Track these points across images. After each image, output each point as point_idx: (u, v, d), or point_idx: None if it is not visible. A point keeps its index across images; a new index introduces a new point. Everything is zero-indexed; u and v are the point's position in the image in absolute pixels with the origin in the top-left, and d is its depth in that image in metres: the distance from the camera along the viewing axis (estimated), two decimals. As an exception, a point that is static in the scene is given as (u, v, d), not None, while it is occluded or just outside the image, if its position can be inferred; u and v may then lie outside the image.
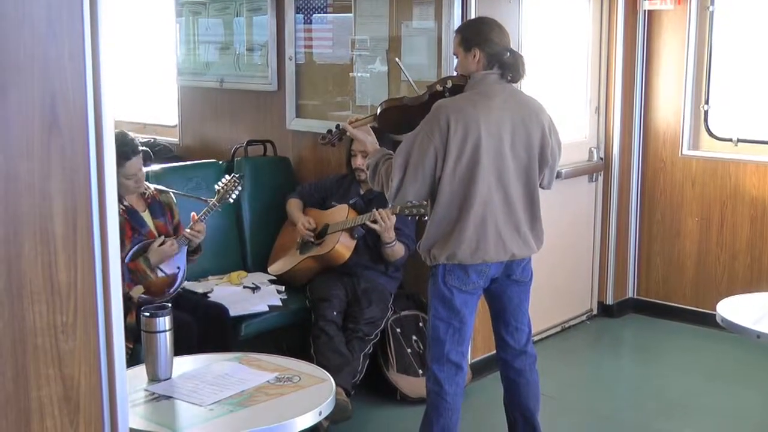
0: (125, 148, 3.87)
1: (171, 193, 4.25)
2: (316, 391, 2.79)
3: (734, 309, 3.60)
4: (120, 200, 4.00)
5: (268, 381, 2.83)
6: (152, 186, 4.18)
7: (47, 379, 1.77)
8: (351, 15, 5.10)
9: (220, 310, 4.17)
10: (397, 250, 4.51)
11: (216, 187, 4.27)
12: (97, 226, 1.82)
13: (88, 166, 1.81)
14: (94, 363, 1.84)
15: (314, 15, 5.32)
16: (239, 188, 4.26)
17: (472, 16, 4.48)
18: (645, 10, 5.80)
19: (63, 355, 1.78)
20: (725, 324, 3.49)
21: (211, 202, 4.19)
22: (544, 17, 5.34)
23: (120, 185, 3.90)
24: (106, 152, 1.83)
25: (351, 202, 4.68)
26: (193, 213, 4.15)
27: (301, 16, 5.35)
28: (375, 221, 4.38)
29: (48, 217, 1.75)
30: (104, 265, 1.83)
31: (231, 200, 4.27)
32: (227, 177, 4.30)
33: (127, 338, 3.73)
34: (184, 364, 2.97)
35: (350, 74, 5.15)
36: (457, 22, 4.48)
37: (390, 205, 4.30)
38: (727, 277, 5.63)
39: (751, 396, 4.76)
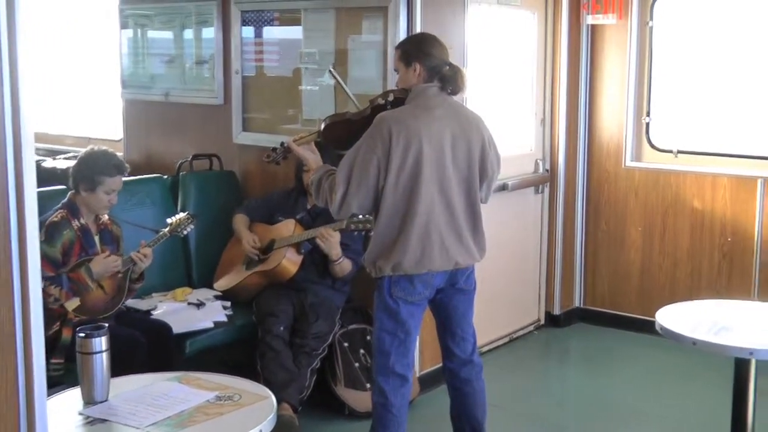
0: (109, 164, 4.01)
1: (122, 227, 4.24)
2: (257, 409, 2.78)
3: (673, 317, 3.66)
4: (77, 217, 3.98)
5: (207, 400, 2.81)
6: (106, 215, 4.16)
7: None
8: (299, 28, 5.10)
9: (163, 327, 4.14)
10: (345, 266, 4.51)
11: (168, 220, 4.27)
12: (15, 258, 1.75)
13: (6, 187, 1.75)
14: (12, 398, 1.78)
15: (261, 28, 5.31)
16: (192, 226, 4.30)
17: (418, 30, 4.52)
18: (588, 25, 5.89)
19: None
20: (663, 332, 3.55)
21: (162, 232, 4.19)
22: (489, 31, 5.39)
23: (97, 201, 3.91)
24: (25, 173, 1.76)
25: (298, 216, 4.68)
26: (142, 240, 4.14)
27: (249, 29, 5.34)
28: (318, 238, 4.39)
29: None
30: (23, 298, 1.77)
31: (182, 235, 4.31)
32: (181, 214, 4.33)
33: (61, 355, 3.73)
34: (122, 385, 2.93)
35: (299, 88, 5.15)
36: (402, 36, 4.51)
37: (336, 220, 4.30)
38: (669, 286, 5.73)
39: (693, 401, 4.84)
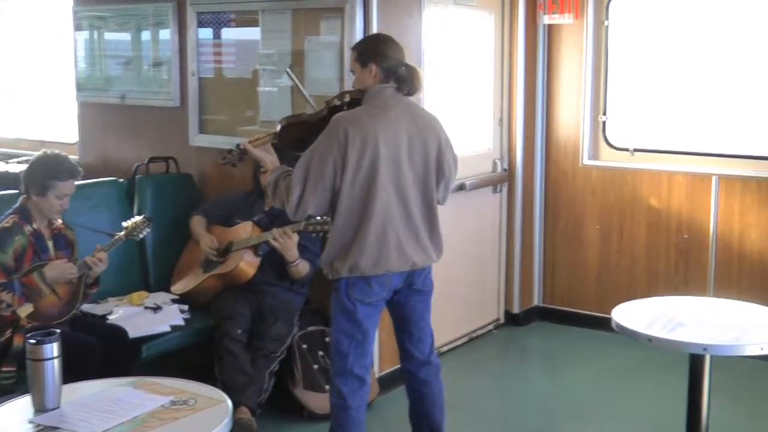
0: (60, 168, 3.95)
1: (75, 232, 4.18)
2: (212, 413, 2.75)
3: (629, 314, 3.69)
4: (30, 222, 3.93)
5: (162, 405, 2.78)
6: (60, 220, 4.10)
7: None
8: (257, 29, 5.07)
9: (119, 332, 4.09)
10: (301, 268, 4.50)
11: (124, 224, 4.22)
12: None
13: None
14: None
15: (219, 29, 5.28)
16: (148, 229, 4.26)
17: (375, 31, 4.52)
18: (545, 25, 5.92)
19: None
20: (619, 329, 3.58)
21: (117, 236, 4.15)
22: (446, 32, 5.40)
23: (49, 205, 3.86)
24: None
25: (255, 219, 4.66)
26: (98, 245, 4.09)
27: (206, 30, 5.30)
28: (276, 240, 4.37)
29: None
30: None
31: (138, 238, 4.27)
32: (137, 217, 4.29)
33: (14, 362, 3.67)
34: (75, 392, 2.89)
35: (257, 89, 5.13)
36: (359, 37, 4.50)
37: (293, 221, 4.28)
38: (627, 283, 5.78)
39: (650, 398, 4.89)
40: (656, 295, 4.19)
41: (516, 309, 6.05)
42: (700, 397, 3.58)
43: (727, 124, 5.59)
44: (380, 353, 4.69)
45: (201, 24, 5.30)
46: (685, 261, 5.64)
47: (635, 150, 5.80)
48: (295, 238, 4.39)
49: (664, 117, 5.76)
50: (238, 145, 3.78)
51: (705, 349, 3.42)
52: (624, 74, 5.84)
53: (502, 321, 6.03)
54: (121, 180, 5.10)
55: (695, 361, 3.56)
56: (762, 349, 3.39)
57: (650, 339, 3.46)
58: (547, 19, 5.89)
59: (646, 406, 4.80)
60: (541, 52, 5.96)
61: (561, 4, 5.82)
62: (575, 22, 5.81)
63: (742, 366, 4.53)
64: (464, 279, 5.60)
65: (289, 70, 4.59)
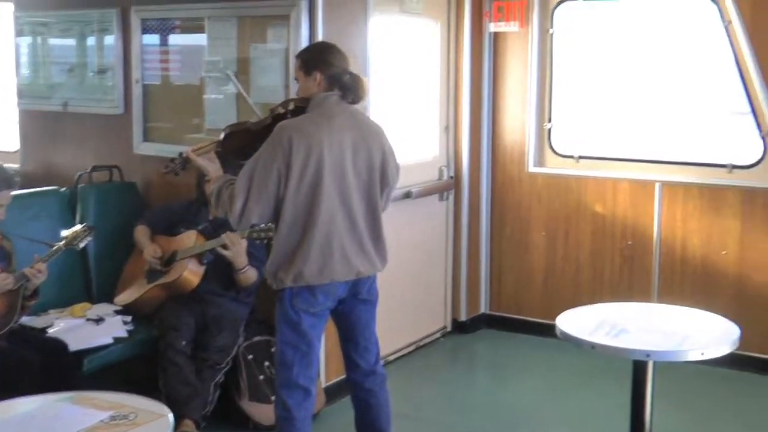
0: None
1: (12, 242, 4.09)
2: (153, 428, 2.72)
3: (573, 321, 3.72)
4: None
5: (101, 420, 2.73)
6: None
7: None
8: (204, 36, 5.03)
9: (59, 345, 4.02)
10: (250, 275, 4.47)
11: (63, 233, 4.15)
12: None
13: None
14: None
15: (164, 36, 5.22)
16: (89, 238, 4.19)
17: (320, 39, 4.51)
18: (490, 32, 5.96)
19: None
20: (563, 336, 3.60)
21: (56, 246, 4.07)
22: (392, 39, 5.41)
23: None
24: None
25: (200, 227, 4.61)
26: (36, 255, 4.01)
27: (153, 36, 5.23)
28: (225, 247, 4.33)
29: None
30: None
31: (78, 248, 4.19)
32: (78, 226, 4.22)
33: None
34: (10, 409, 2.82)
35: (203, 96, 5.08)
36: (305, 45, 4.48)
37: (236, 230, 4.25)
38: (572, 289, 5.84)
39: (594, 404, 4.94)
40: (602, 301, 4.22)
41: (463, 316, 6.07)
42: (644, 402, 3.62)
43: (670, 131, 5.68)
44: (326, 363, 4.66)
45: (146, 30, 5.24)
46: (629, 267, 5.71)
47: (580, 157, 5.86)
48: (243, 244, 4.36)
49: (608, 124, 5.84)
50: (180, 154, 3.74)
51: (648, 356, 3.46)
52: (569, 82, 5.90)
53: (449, 329, 6.05)
54: (63, 189, 5.01)
55: (638, 367, 3.59)
56: (703, 354, 3.44)
57: (594, 346, 3.49)
58: (492, 27, 5.93)
59: (591, 412, 4.84)
60: (486, 60, 5.99)
61: (506, 12, 5.86)
62: (521, 30, 5.86)
63: (685, 371, 4.59)
64: (411, 287, 5.60)
65: (230, 73, 4.56)
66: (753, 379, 5.24)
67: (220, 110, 5.01)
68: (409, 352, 5.66)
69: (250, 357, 4.53)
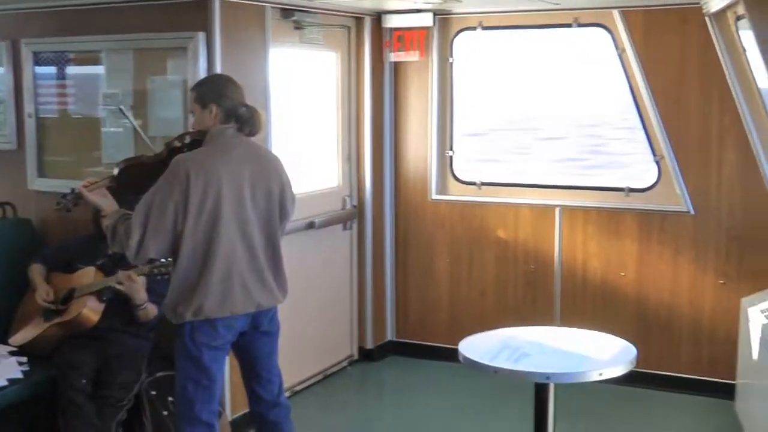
0: None
1: None
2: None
3: (475, 346, 3.76)
4: None
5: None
6: None
7: None
8: (101, 67, 4.95)
9: (-53, 390, 3.88)
10: (150, 311, 4.39)
11: None
12: None
13: None
14: None
15: (60, 68, 5.12)
16: None
17: (218, 71, 4.49)
18: (391, 62, 6.02)
19: None
20: (465, 361, 3.64)
21: None
22: (293, 71, 5.41)
23: None
24: None
25: (99, 263, 4.51)
26: None
27: (49, 69, 5.12)
28: (121, 284, 4.25)
29: None
30: None
31: None
32: None
33: None
34: None
35: (101, 129, 4.99)
36: (203, 77, 4.45)
37: (134, 265, 4.17)
38: (477, 315, 5.89)
39: (501, 426, 4.99)
40: (506, 325, 4.27)
41: (369, 344, 6.08)
42: (546, 423, 3.68)
43: (568, 156, 5.81)
44: (232, 396, 4.61)
45: (40, 63, 5.12)
46: (533, 291, 5.81)
47: (482, 184, 5.95)
48: (141, 281, 4.28)
49: (508, 151, 5.94)
50: (72, 190, 3.68)
51: (548, 378, 3.53)
52: (470, 110, 5.98)
53: (356, 357, 6.04)
54: (-47, 228, 4.85)
55: (540, 390, 3.65)
56: (601, 374, 3.52)
57: (496, 371, 3.53)
58: (393, 57, 5.99)
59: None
60: (388, 89, 6.05)
61: (407, 42, 5.93)
62: (421, 59, 5.93)
63: (589, 390, 4.65)
64: (316, 317, 5.58)
65: (123, 108, 4.50)
66: (653, 395, 5.38)
67: (119, 144, 4.93)
68: (316, 382, 5.63)
69: (154, 393, 4.44)
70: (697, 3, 4.95)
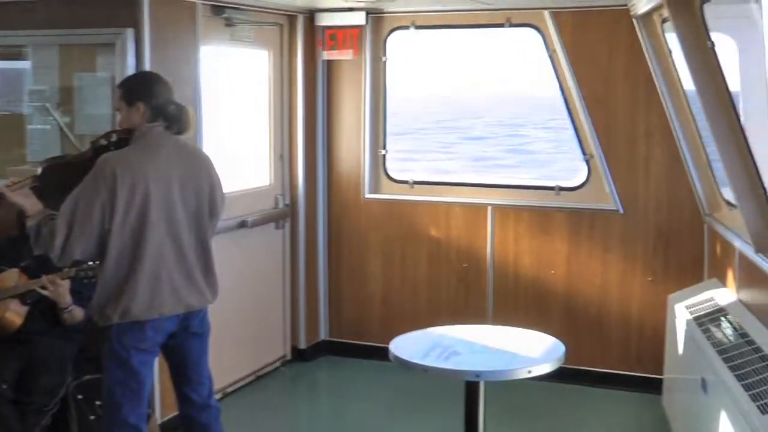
0: None
1: None
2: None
3: (406, 345, 3.78)
4: None
5: None
6: None
7: None
8: (27, 63, 4.84)
9: None
10: (76, 314, 4.29)
11: None
12: None
13: None
14: None
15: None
16: None
17: (147, 68, 4.42)
18: (324, 60, 6.00)
19: None
20: (395, 360, 3.65)
21: None
22: (224, 68, 5.36)
23: None
24: None
25: (23, 264, 4.40)
26: None
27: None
28: (45, 287, 4.15)
29: None
30: None
31: None
32: None
33: None
34: None
35: (27, 127, 4.88)
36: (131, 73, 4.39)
37: (59, 267, 4.08)
38: (410, 313, 5.91)
39: (434, 424, 5.00)
40: (439, 323, 4.30)
41: (302, 344, 6.05)
42: (476, 421, 3.71)
43: (500, 155, 5.85)
44: (162, 398, 4.55)
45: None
46: (465, 289, 5.84)
47: (414, 182, 5.96)
48: (66, 284, 4.19)
49: (440, 150, 5.97)
50: (-7, 189, 3.57)
51: (478, 376, 3.56)
52: (402, 108, 5.99)
53: (288, 357, 6.01)
54: None
55: (470, 389, 3.68)
56: (530, 372, 3.56)
57: (426, 369, 3.55)
58: (326, 55, 5.97)
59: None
60: (320, 88, 6.03)
61: (339, 41, 5.91)
62: (354, 58, 5.92)
63: (520, 387, 4.69)
64: (248, 317, 5.54)
65: (48, 106, 4.41)
66: (584, 391, 5.45)
67: (45, 142, 4.83)
68: (249, 383, 5.59)
69: (80, 397, 4.34)
70: (625, 5, 5.03)
